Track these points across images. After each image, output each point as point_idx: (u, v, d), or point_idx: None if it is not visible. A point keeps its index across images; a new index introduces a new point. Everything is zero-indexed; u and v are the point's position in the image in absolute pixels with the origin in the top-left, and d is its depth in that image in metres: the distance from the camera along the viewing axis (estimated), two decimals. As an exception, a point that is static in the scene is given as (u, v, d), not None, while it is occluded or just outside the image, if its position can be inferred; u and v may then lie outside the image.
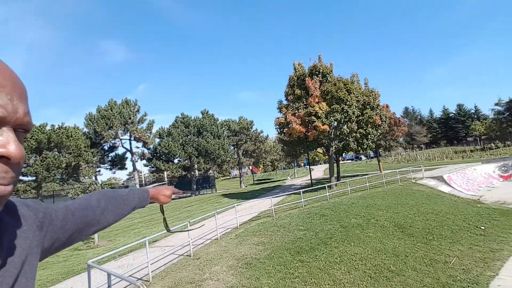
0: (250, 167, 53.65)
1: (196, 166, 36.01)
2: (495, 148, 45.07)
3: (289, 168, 66.34)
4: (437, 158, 46.45)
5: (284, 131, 20.76)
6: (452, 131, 75.11)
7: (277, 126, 21.74)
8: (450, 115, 78.54)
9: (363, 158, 68.18)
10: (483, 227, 10.39)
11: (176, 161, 36.35)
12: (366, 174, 24.18)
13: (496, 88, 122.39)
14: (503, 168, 23.07)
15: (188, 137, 35.34)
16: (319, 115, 18.44)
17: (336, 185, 21.02)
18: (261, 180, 50.99)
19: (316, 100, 18.95)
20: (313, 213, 12.37)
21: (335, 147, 20.84)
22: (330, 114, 18.67)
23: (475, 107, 75.83)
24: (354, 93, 19.61)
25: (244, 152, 41.73)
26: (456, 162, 36.81)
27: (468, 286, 6.34)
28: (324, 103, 18.80)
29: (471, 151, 48.54)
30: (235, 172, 64.60)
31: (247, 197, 23.22)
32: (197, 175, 39.06)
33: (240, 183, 40.15)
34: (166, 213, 1.40)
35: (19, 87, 0.56)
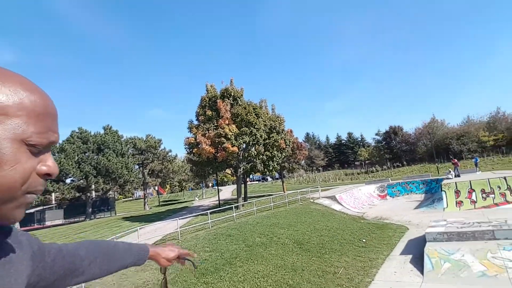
0: (156, 188, 51.05)
1: (93, 186, 32.47)
2: (376, 171, 53.04)
3: (197, 188, 65.40)
4: (332, 180, 52.11)
5: (193, 151, 20.68)
6: (344, 156, 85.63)
7: (186, 146, 21.53)
8: (342, 141, 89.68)
9: (269, 179, 71.78)
10: (364, 240, 12.04)
11: (68, 181, 32.07)
12: (271, 195, 25.53)
13: (378, 119, 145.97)
14: (380, 189, 27.28)
15: (86, 154, 31.75)
16: (229, 136, 19.03)
17: (243, 205, 21.65)
18: (167, 201, 48.85)
19: (227, 122, 19.56)
20: (220, 233, 12.48)
21: (243, 168, 21.63)
22: (239, 136, 19.43)
23: (361, 135, 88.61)
24: (262, 117, 20.94)
25: (150, 172, 39.62)
26: (346, 183, 41.93)
27: (351, 293, 7.26)
28: (234, 126, 19.51)
29: (358, 173, 56.04)
30: (139, 193, 60.45)
31: (151, 219, 21.94)
32: (93, 196, 35.21)
33: (144, 205, 37.72)
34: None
35: (56, 111, 0.64)
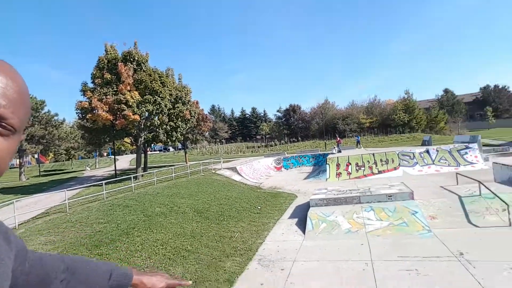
0: (36, 156, 44.41)
1: None
2: (274, 145, 57.13)
3: (89, 157, 59.40)
4: (234, 152, 54.05)
5: (87, 117, 18.56)
6: (247, 130, 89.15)
7: (78, 111, 19.14)
8: (246, 116, 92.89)
9: (171, 149, 70.11)
10: (259, 207, 13.22)
11: None
12: (173, 165, 25.20)
13: (280, 97, 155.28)
14: (277, 161, 29.76)
15: None
16: (130, 104, 17.75)
17: (142, 175, 20.84)
18: (50, 171, 43.23)
19: (128, 88, 18.13)
20: (116, 204, 11.93)
21: (144, 138, 20.62)
22: (142, 104, 18.32)
23: (264, 111, 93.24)
24: (168, 87, 20.08)
25: (29, 137, 34.02)
26: (247, 155, 44.15)
27: (244, 253, 8.05)
28: (136, 92, 18.24)
29: (259, 147, 59.47)
30: (13, 161, 51.48)
31: (30, 191, 19.29)
32: None
33: (20, 175, 32.56)
34: None
35: None
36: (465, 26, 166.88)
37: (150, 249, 7.90)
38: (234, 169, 23.40)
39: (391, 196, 10.05)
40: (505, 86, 73.56)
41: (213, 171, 22.72)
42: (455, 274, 5.72)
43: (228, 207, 12.65)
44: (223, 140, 77.07)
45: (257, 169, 26.56)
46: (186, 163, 30.97)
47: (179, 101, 20.74)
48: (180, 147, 63.41)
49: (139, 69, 20.07)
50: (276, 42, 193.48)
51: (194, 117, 23.30)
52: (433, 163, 19.75)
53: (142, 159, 22.46)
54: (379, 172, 19.85)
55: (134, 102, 17.95)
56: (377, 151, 21.98)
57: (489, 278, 5.42)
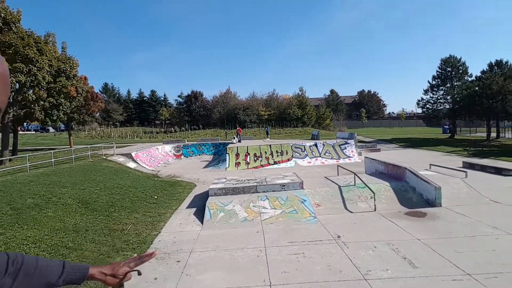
0: None
1: None
2: (174, 132, 55.23)
3: None
4: (129, 137, 50.10)
5: None
6: (145, 113, 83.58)
7: None
8: (145, 98, 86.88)
9: (51, 130, 60.61)
10: (156, 197, 12.57)
11: None
12: (54, 149, 21.81)
13: (181, 82, 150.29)
14: (176, 149, 28.84)
15: None
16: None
17: (10, 160, 17.38)
18: None
19: (-10, 50, 14.65)
20: (-30, 196, 9.61)
21: (13, 115, 17.11)
22: (10, 73, 15.04)
23: (165, 95, 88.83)
24: (47, 55, 17.03)
25: None
26: (144, 141, 41.50)
27: (138, 246, 7.53)
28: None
29: (157, 132, 56.54)
30: None
31: None
32: None
33: None
34: None
35: None
36: (348, 36, 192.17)
37: (18, 248, 6.63)
38: (129, 156, 21.67)
39: (284, 185, 10.85)
40: (375, 92, 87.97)
41: (104, 157, 20.57)
42: (333, 254, 6.55)
43: (121, 197, 11.62)
44: (117, 123, 70.50)
45: (155, 156, 25.25)
46: (71, 146, 27.20)
47: (62, 74, 17.82)
48: (63, 128, 55.43)
49: (7, 29, 16.37)
50: (181, 24, 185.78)
51: (81, 94, 20.47)
52: (320, 156, 22.22)
53: (11, 140, 18.65)
54: (275, 162, 21.27)
55: None
56: (274, 143, 23.48)
57: (358, 256, 6.38)
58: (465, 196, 10.24)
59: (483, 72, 34.33)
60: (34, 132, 60.17)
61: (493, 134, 33.92)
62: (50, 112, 17.86)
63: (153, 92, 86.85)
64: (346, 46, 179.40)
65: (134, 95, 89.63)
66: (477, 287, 5.06)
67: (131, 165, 20.30)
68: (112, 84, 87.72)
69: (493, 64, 34.38)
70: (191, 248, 7.35)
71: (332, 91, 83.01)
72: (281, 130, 51.94)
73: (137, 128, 65.45)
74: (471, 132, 42.73)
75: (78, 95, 19.59)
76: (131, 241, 7.86)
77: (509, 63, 33.64)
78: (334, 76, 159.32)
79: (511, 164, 15.86)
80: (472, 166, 16.12)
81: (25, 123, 22.76)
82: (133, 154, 21.95)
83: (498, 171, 14.70)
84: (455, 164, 16.98)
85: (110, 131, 54.28)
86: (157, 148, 27.29)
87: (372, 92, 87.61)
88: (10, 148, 18.76)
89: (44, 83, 16.34)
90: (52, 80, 17.09)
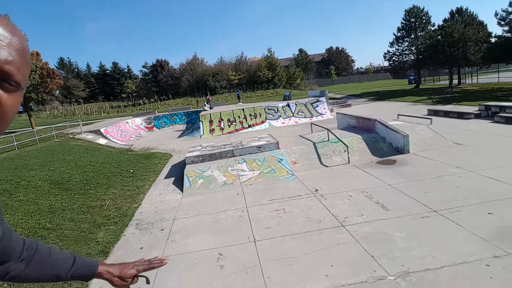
0: None
1: None
2: (143, 104, 53.27)
3: None
4: (95, 113, 47.90)
5: None
6: (109, 87, 79.30)
7: None
8: (107, 71, 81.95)
9: (9, 113, 56.66)
10: (132, 170, 12.35)
11: None
12: (14, 132, 20.51)
13: (143, 53, 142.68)
14: (147, 121, 28.01)
15: None
16: None
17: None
18: None
19: None
20: None
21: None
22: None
23: (128, 67, 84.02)
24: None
25: None
26: (112, 116, 39.89)
27: (120, 220, 7.49)
28: None
29: (125, 106, 54.30)
30: None
31: None
32: None
33: None
34: None
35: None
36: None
37: (-9, 236, 6.40)
38: (98, 132, 20.87)
39: (260, 147, 10.96)
40: (343, 48, 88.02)
41: (71, 136, 19.70)
42: (312, 207, 6.85)
43: (95, 174, 11.31)
44: (80, 100, 66.73)
45: (125, 130, 24.48)
46: (33, 128, 25.65)
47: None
48: (22, 110, 51.94)
49: None
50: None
51: (35, 72, 18.95)
52: (293, 116, 22.43)
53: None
54: (249, 126, 21.28)
55: None
56: (246, 107, 23.31)
57: (335, 206, 6.72)
58: (430, 142, 10.85)
59: (444, 20, 34.95)
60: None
61: (455, 81, 35.43)
62: (3, 92, 16.47)
63: (115, 64, 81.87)
64: (309, 3, 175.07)
65: (94, 68, 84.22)
66: (442, 220, 5.53)
67: (102, 141, 19.62)
68: (68, 58, 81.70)
69: (454, 12, 35.00)
70: (173, 216, 7.42)
71: (300, 50, 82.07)
72: (252, 94, 51.44)
73: (103, 103, 62.34)
74: (434, 81, 44.37)
75: (32, 72, 18.11)
76: (111, 215, 7.80)
77: (469, 10, 34.38)
78: (301, 35, 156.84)
79: (471, 108, 16.78)
80: (436, 113, 16.95)
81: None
82: (102, 130, 21.13)
83: (460, 115, 15.58)
84: (421, 112, 17.77)
85: (74, 109, 51.47)
86: (127, 122, 26.39)
87: (340, 49, 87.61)
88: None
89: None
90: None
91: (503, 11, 26.65)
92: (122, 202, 8.82)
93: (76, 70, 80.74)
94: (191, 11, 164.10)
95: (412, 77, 45.29)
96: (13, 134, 15.80)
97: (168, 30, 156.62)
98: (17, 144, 15.21)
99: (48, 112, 49.11)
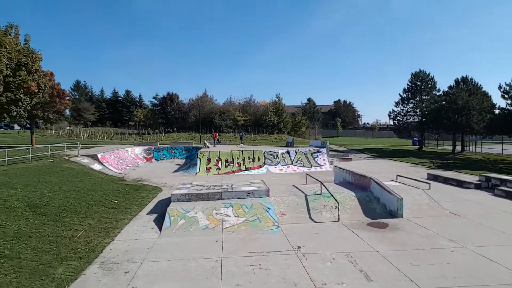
0: None
1: None
2: (148, 134, 53.77)
3: None
4: (100, 137, 48.25)
5: None
6: (118, 114, 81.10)
7: None
8: (119, 98, 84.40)
9: (16, 127, 57.60)
10: (116, 201, 11.93)
11: None
12: (14, 147, 20.49)
13: (156, 84, 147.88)
14: (147, 151, 27.97)
15: None
16: None
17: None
18: None
19: None
20: None
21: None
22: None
23: (140, 96, 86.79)
24: (7, 47, 16.01)
25: None
26: (115, 142, 40.07)
27: (85, 255, 6.98)
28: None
29: (129, 134, 54.82)
30: None
31: None
32: None
33: None
34: None
35: None
36: (321, 45, 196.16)
37: None
38: (94, 157, 20.73)
39: (250, 193, 10.60)
40: (350, 102, 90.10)
41: (67, 158, 19.53)
42: (290, 266, 6.33)
43: (76, 201, 10.91)
44: (88, 123, 67.85)
45: (123, 158, 24.34)
46: (33, 145, 25.66)
47: (23, 68, 16.77)
48: (29, 126, 52.75)
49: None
50: (159, 24, 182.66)
51: (44, 90, 19.35)
52: (292, 163, 22.20)
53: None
54: (247, 169, 21.02)
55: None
56: (246, 149, 23.24)
57: (316, 268, 6.20)
58: (426, 208, 10.41)
59: (450, 87, 35.84)
60: (-2, 129, 57.03)
61: (459, 148, 35.39)
62: (7, 107, 16.69)
63: (127, 92, 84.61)
64: (321, 56, 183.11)
65: (107, 94, 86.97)
66: (428, 302, 4.99)
67: (96, 167, 19.38)
68: (84, 82, 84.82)
69: (459, 80, 35.98)
70: (143, 257, 6.91)
71: (309, 99, 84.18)
72: (256, 136, 51.83)
73: (108, 128, 63.15)
74: (438, 145, 44.44)
75: (40, 91, 18.48)
76: (79, 249, 7.30)
77: (473, 80, 35.34)
78: (312, 84, 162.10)
79: (472, 177, 16.44)
80: (436, 178, 16.60)
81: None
82: (99, 155, 21.01)
83: (460, 183, 15.19)
84: (421, 175, 17.44)
85: (79, 131, 52.04)
86: (127, 150, 26.35)
87: (348, 102, 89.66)
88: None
89: (1, 77, 15.27)
90: (11, 73, 16.03)
91: (507, 85, 27.31)
92: (95, 235, 8.33)
93: (90, 94, 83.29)
94: (210, 49, 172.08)
95: (416, 139, 45.51)
96: (6, 150, 15.69)
97: (183, 64, 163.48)
98: (8, 160, 15.01)
99: (53, 131, 49.64)
